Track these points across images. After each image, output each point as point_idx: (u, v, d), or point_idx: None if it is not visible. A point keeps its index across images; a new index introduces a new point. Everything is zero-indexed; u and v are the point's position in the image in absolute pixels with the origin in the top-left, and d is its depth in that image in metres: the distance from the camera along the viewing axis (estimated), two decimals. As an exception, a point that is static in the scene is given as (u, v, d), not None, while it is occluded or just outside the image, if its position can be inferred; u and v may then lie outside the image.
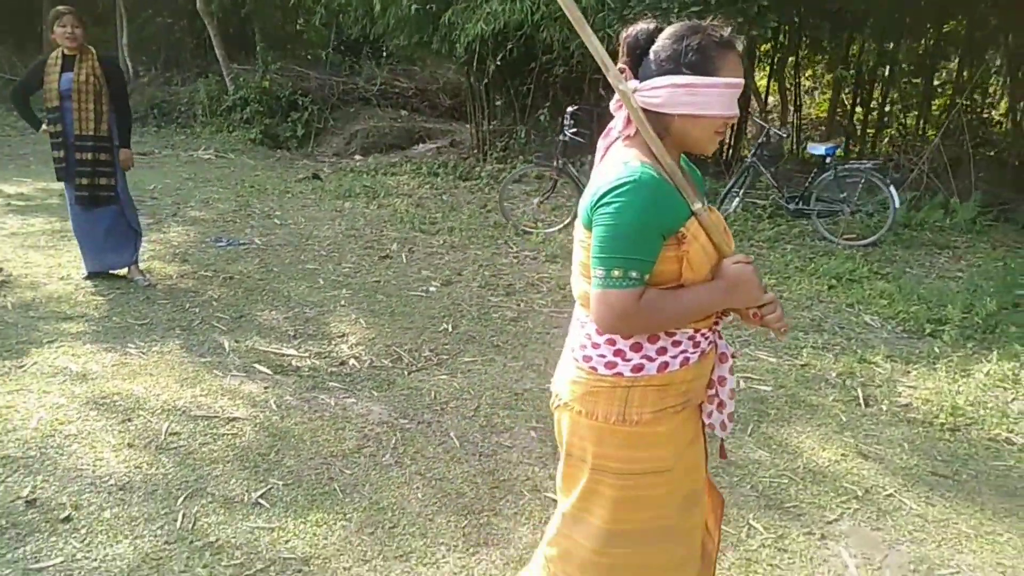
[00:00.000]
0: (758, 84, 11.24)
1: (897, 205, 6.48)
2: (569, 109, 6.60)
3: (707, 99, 1.40)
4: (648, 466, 1.51)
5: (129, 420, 3.01)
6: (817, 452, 3.00)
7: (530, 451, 2.91)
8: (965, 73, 10.81)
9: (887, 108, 11.27)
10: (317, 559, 2.22)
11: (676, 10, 7.80)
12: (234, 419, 3.05)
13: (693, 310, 1.44)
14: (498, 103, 11.47)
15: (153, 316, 4.22)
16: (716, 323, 1.55)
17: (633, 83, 1.44)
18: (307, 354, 3.80)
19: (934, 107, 11.34)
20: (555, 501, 2.44)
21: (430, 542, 2.32)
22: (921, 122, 11.06)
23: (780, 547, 2.39)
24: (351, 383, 3.47)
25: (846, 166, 6.83)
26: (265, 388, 3.36)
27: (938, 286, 5.26)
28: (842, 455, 2.97)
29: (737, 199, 7.37)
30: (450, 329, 4.24)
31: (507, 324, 4.39)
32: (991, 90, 11.77)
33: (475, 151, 11.32)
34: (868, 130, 11.15)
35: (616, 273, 1.37)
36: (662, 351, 1.47)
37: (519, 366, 3.75)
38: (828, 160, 6.74)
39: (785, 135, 8.36)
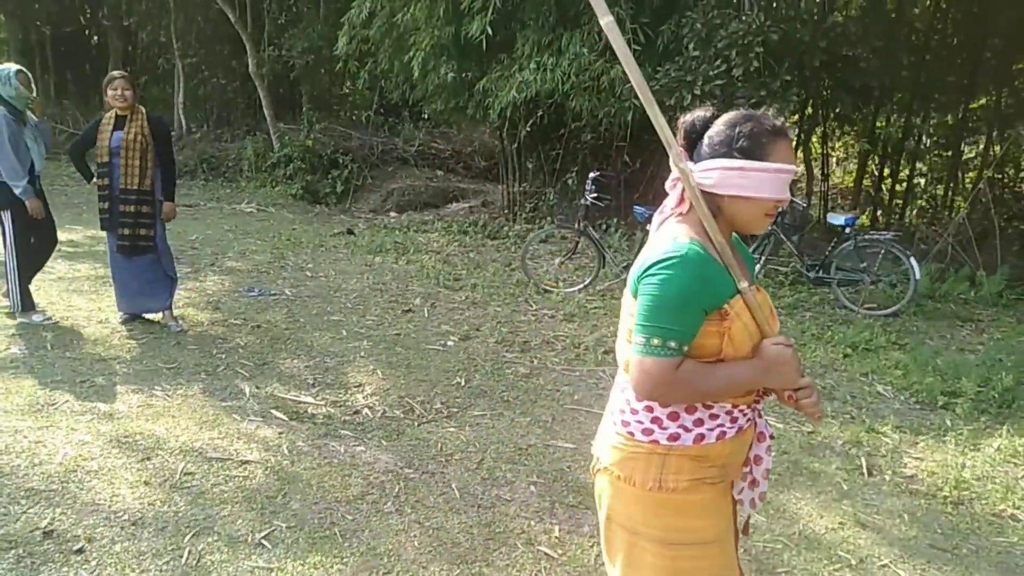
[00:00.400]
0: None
1: (918, 276, 6.48)
2: (591, 175, 6.82)
3: (757, 182, 1.50)
4: (688, 537, 1.53)
5: (148, 459, 3.17)
6: (815, 519, 3.01)
7: (528, 505, 2.98)
8: (997, 147, 10.86)
9: (915, 180, 11.31)
10: (310, 599, 2.31)
11: (701, 82, 8.09)
12: (247, 462, 3.19)
13: (729, 385, 1.49)
14: (529, 166, 11.81)
15: (181, 360, 4.42)
16: (756, 401, 1.60)
17: (689, 164, 1.54)
18: (323, 402, 3.95)
19: (965, 180, 11.36)
20: (547, 554, 2.52)
21: (420, 588, 2.40)
22: (950, 194, 11.07)
23: (766, 610, 2.41)
24: (362, 432, 3.60)
25: (866, 236, 6.87)
26: (280, 433, 3.50)
27: (956, 359, 5.23)
28: (840, 523, 2.98)
29: (758, 266, 7.45)
30: (463, 383, 4.36)
31: (519, 380, 4.49)
32: (1023, 163, 11.73)
33: (505, 211, 11.62)
34: (896, 201, 11.18)
35: (656, 342, 1.44)
36: (699, 423, 1.52)
37: (526, 422, 3.84)
38: (847, 230, 6.80)
39: (804, 205, 8.45)
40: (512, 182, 11.48)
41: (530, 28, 9.51)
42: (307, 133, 13.65)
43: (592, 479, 1.69)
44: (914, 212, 11.04)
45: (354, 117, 16.22)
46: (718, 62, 8.02)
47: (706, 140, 1.54)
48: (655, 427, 1.53)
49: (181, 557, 2.47)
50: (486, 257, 8.53)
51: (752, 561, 2.68)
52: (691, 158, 1.56)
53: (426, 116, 14.56)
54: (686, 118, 1.59)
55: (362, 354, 4.79)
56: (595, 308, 6.30)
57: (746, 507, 1.64)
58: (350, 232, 9.85)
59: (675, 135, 1.58)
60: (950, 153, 11.05)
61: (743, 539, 1.76)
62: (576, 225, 6.80)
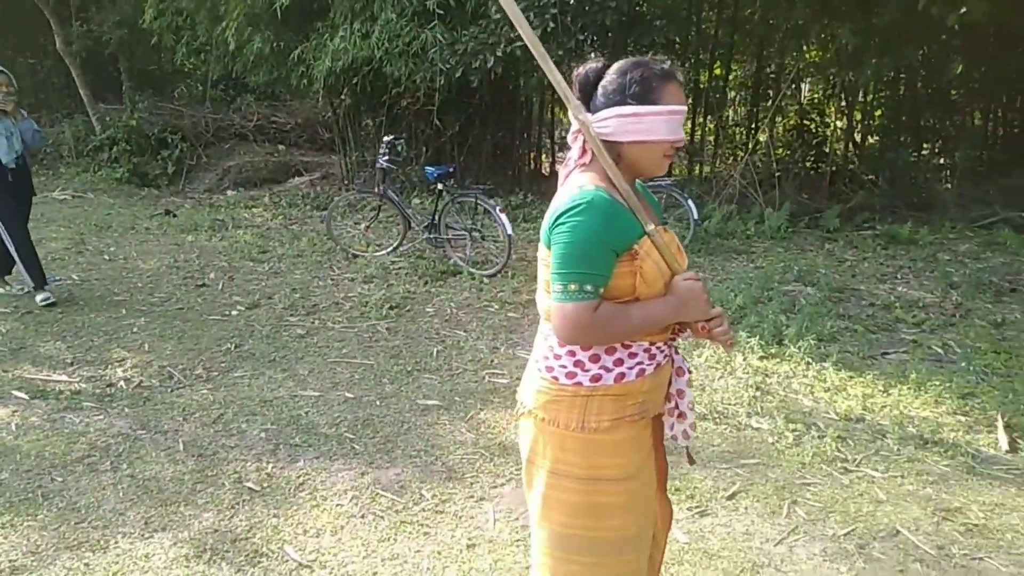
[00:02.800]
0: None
1: (695, 217, 7.08)
2: (385, 139, 6.96)
3: (653, 125, 1.55)
4: (608, 473, 1.60)
5: None
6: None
7: (251, 449, 3.17)
8: (805, 97, 11.94)
9: (723, 129, 12.21)
10: (-12, 554, 2.41)
11: (503, 44, 8.32)
12: (-32, 441, 3.18)
13: (646, 322, 1.55)
14: (362, 134, 11.79)
15: (-72, 353, 4.26)
16: (672, 338, 1.66)
17: (587, 116, 1.58)
18: (77, 379, 3.95)
19: (778, 126, 12.30)
20: (249, 488, 2.72)
21: (108, 533, 2.54)
22: (751, 141, 12.02)
23: (439, 510, 2.72)
24: (107, 403, 3.65)
25: (650, 181, 7.39)
26: (14, 411, 3.50)
27: (715, 287, 5.83)
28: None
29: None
30: (232, 348, 4.46)
31: (293, 340, 4.64)
32: (828, 112, 12.84)
33: (344, 181, 11.57)
34: (711, 149, 12.00)
35: (573, 287, 1.49)
36: (619, 362, 1.58)
37: (282, 377, 4.01)
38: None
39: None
40: (347, 151, 11.44)
41: (343, -6, 9.44)
42: (130, 112, 12.89)
43: (516, 423, 1.75)
44: (719, 160, 11.88)
45: (185, 92, 15.47)
46: (518, 24, 8.30)
47: (600, 90, 1.59)
48: (578, 370, 1.59)
49: None
50: (307, 228, 8.53)
51: (444, 470, 2.99)
52: (588, 109, 1.60)
53: (252, 88, 14.07)
54: (579, 71, 1.63)
55: (135, 330, 4.77)
56: (398, 269, 6.50)
57: (680, 440, 1.73)
58: (168, 213, 9.52)
59: (571, 88, 1.63)
60: (747, 105, 11.99)
61: (690, 468, 1.90)
62: (375, 189, 6.94)
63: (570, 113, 1.61)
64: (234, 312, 5.22)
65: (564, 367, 1.59)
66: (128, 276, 6.17)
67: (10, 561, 2.37)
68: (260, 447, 3.19)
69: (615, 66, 1.60)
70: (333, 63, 9.41)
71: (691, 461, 1.88)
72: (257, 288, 5.85)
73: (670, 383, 1.69)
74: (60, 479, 2.88)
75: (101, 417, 3.46)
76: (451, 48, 8.50)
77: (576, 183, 1.57)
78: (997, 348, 4.48)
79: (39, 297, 5.24)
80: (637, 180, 1.66)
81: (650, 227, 1.54)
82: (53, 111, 15.38)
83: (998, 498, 2.85)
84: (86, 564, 2.36)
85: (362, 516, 2.67)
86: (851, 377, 4.04)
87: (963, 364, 4.28)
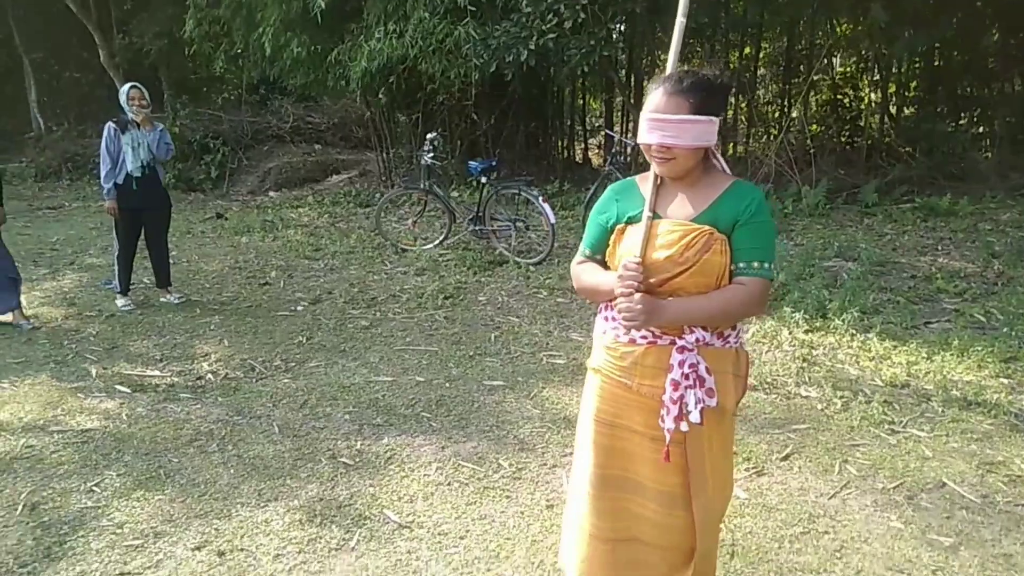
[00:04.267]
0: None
1: (552, 220, 6.35)
2: (429, 136, 7.22)
3: (640, 129, 1.76)
4: (587, 407, 1.94)
5: (-7, 440, 3.47)
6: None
7: (339, 429, 3.47)
8: (838, 71, 11.92)
9: (755, 107, 12.24)
10: (131, 523, 2.73)
11: (535, 37, 8.51)
12: (87, 430, 3.53)
13: (592, 285, 1.87)
14: (397, 131, 12.09)
15: (31, 355, 4.65)
16: (669, 331, 1.76)
17: None
18: (168, 373, 4.30)
19: (811, 103, 12.29)
20: (344, 463, 3.02)
21: (229, 503, 2.85)
22: (786, 119, 12.03)
23: (517, 476, 2.99)
24: (201, 393, 3.99)
25: (504, 184, 6.84)
26: (121, 404, 3.85)
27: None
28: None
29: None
30: (304, 341, 4.78)
31: (359, 332, 4.95)
32: (861, 86, 12.78)
33: (382, 178, 11.89)
34: (743, 128, 12.05)
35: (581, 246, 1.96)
36: (605, 320, 1.89)
37: (355, 365, 4.31)
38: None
39: (634, 143, 9.10)
40: (384, 148, 11.75)
41: (375, -4, 9.70)
42: (172, 120, 13.36)
43: None
44: (752, 139, 11.92)
45: (225, 98, 15.93)
46: (549, 16, 8.48)
47: None
48: (595, 325, 1.97)
49: (16, 509, 2.84)
50: (354, 225, 8.85)
51: (515, 441, 3.26)
52: None
53: (291, 92, 14.45)
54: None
55: (212, 328, 5.13)
56: (447, 261, 6.78)
57: (665, 433, 1.77)
58: (220, 216, 9.94)
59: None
60: (780, 82, 11.99)
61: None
62: (421, 185, 7.22)
63: None
64: (299, 308, 5.55)
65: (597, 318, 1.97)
66: (195, 278, 6.55)
67: (151, 527, 2.70)
68: (346, 428, 3.49)
69: None
70: (369, 63, 9.68)
71: (666, 458, 1.79)
72: (316, 284, 6.18)
73: (670, 372, 1.75)
74: (176, 460, 3.21)
75: (199, 406, 3.80)
76: (484, 43, 8.71)
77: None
78: (1038, 314, 4.61)
79: (120, 302, 5.63)
80: (744, 185, 1.79)
81: (647, 214, 1.74)
82: (98, 123, 15.94)
83: (1040, 452, 3.02)
84: (216, 529, 2.68)
85: (448, 484, 2.95)
86: (895, 346, 4.21)
87: (1005, 330, 4.42)
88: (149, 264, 5.91)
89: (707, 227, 1.74)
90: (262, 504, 2.84)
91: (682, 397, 1.74)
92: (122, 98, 5.43)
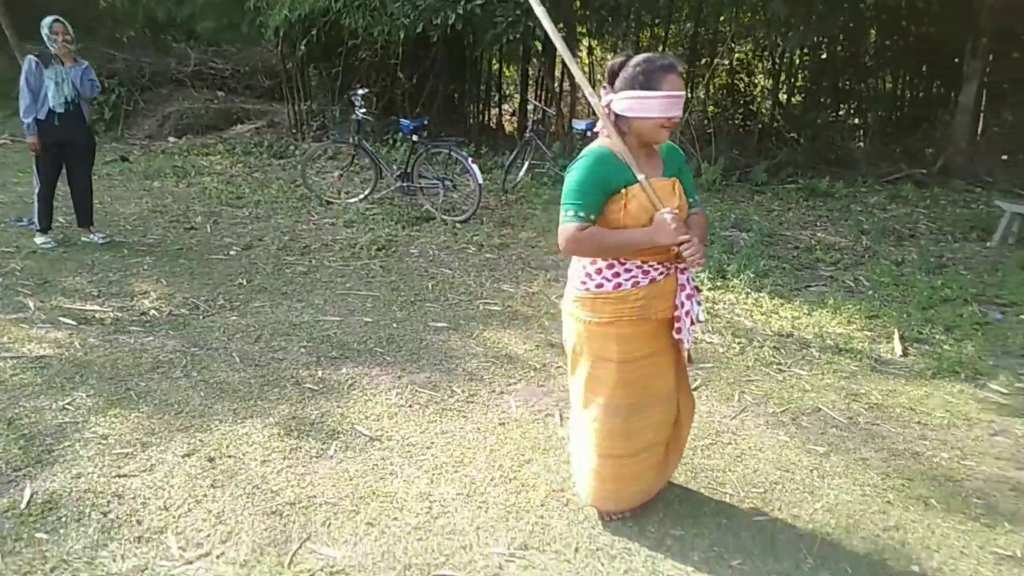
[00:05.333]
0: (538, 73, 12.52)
1: (480, 180, 6.61)
2: (359, 92, 7.33)
3: (652, 106, 2.11)
4: (606, 354, 2.26)
5: (-60, 366, 3.48)
6: (510, 344, 4.05)
7: (297, 360, 3.73)
8: (735, 56, 12.76)
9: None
10: (114, 435, 2.92)
11: (463, 1, 8.69)
12: (42, 356, 3.60)
13: (622, 243, 2.15)
14: (313, 84, 11.92)
15: (-45, 287, 4.55)
16: (672, 261, 2.23)
17: (610, 96, 2.20)
18: (110, 308, 4.36)
19: (712, 87, 13.10)
20: (310, 388, 3.29)
21: (206, 420, 3.08)
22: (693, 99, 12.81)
23: (470, 400, 3.38)
24: (150, 327, 4.10)
25: (434, 143, 6.99)
26: (70, 334, 3.91)
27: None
28: (523, 344, 4.04)
29: (523, 169, 8.48)
30: (244, 283, 4.92)
31: (297, 276, 5.13)
32: (755, 72, 13.72)
33: (292, 131, 11.71)
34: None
35: (569, 213, 2.14)
36: (616, 275, 2.22)
37: (301, 306, 4.53)
38: (588, 133, 7.92)
39: (554, 113, 9.55)
40: (297, 101, 11.57)
41: (300, -56, 9.53)
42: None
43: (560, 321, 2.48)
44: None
45: (119, 36, 15.00)
46: (476, -18, 8.68)
47: (620, 78, 2.18)
48: (588, 280, 2.26)
49: (-9, 426, 2.95)
50: (271, 176, 8.81)
51: (470, 378, 3.64)
52: (613, 90, 2.19)
53: (197, 35, 13.84)
54: (609, 64, 2.25)
55: (145, 267, 5.15)
56: (374, 214, 6.98)
57: (682, 343, 2.32)
58: (124, 159, 9.58)
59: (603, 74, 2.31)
60: (685, 64, 12.73)
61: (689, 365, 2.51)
62: (351, 139, 7.35)
63: (588, 97, 2.29)
64: (232, 252, 5.63)
65: (583, 278, 2.29)
66: (114, 220, 6.44)
67: (137, 438, 2.89)
68: (304, 359, 3.75)
69: (632, 59, 2.20)
70: (290, 13, 9.56)
71: (689, 360, 2.49)
72: (245, 231, 6.25)
73: (675, 296, 2.28)
74: (143, 384, 3.37)
75: (151, 339, 3.92)
76: (411, 3, 8.81)
77: (594, 143, 2.25)
78: (897, 282, 5.43)
79: (40, 239, 5.51)
80: (665, 144, 2.29)
81: (641, 176, 2.14)
82: (-31, 52, 14.66)
83: (892, 387, 3.73)
84: (200, 440, 2.91)
85: (409, 406, 3.30)
86: (782, 303, 4.88)
87: (870, 293, 5.20)
88: (69, 203, 5.77)
89: (674, 178, 2.24)
90: (239, 421, 3.08)
91: (683, 306, 2.28)
92: (44, 31, 5.27)
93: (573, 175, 2.17)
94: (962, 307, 4.92)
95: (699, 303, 2.35)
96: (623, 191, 2.16)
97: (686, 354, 2.44)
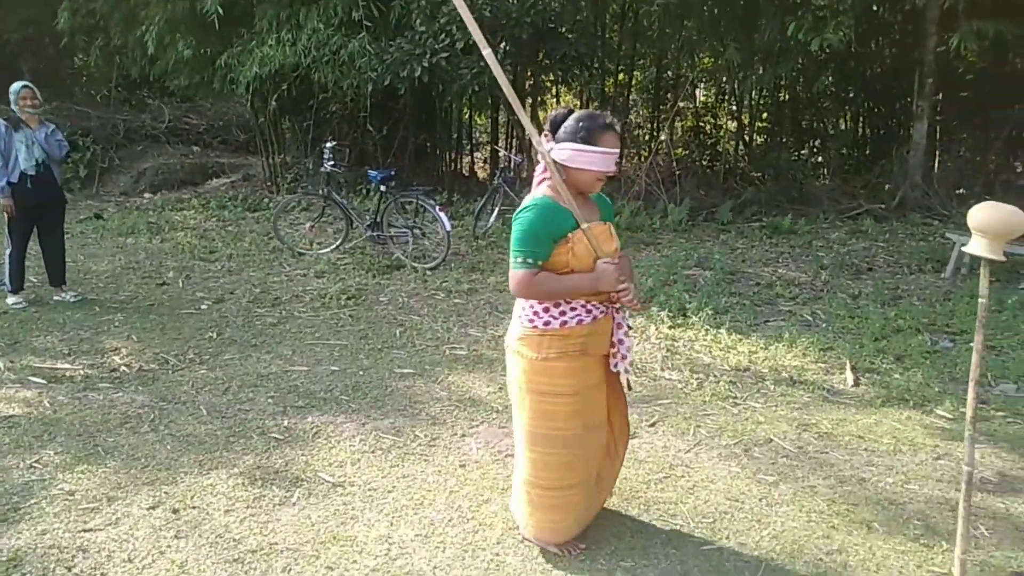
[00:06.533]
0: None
1: (448, 228, 6.80)
2: (328, 144, 7.53)
3: (591, 160, 2.31)
4: (555, 389, 2.41)
5: (-92, 428, 3.52)
6: (474, 387, 4.16)
7: (264, 411, 3.80)
8: (700, 101, 13.20)
9: (630, 131, 13.35)
10: (80, 491, 2.97)
11: (428, 55, 8.99)
12: (10, 416, 3.66)
13: (571, 288, 2.34)
14: (286, 137, 12.15)
15: (-76, 349, 4.59)
16: (611, 302, 2.43)
17: (550, 144, 2.37)
18: (80, 366, 4.42)
19: (677, 128, 13.51)
20: (275, 438, 3.37)
21: (172, 473, 3.14)
22: (654, 141, 13.22)
23: (432, 444, 3.47)
24: (120, 383, 4.16)
25: (403, 192, 7.19)
26: (39, 393, 3.97)
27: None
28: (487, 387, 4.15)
29: (494, 215, 8.68)
30: (215, 336, 5.01)
31: (267, 328, 5.23)
32: (720, 115, 14.17)
33: (267, 183, 11.90)
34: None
35: (518, 259, 2.31)
36: (562, 313, 2.39)
37: (270, 357, 4.62)
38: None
39: (520, 160, 9.81)
40: (270, 154, 11.78)
41: (267, 3, 9.82)
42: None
43: (504, 359, 2.63)
44: (625, 159, 12.98)
45: (93, 93, 15.22)
46: (442, 36, 9.01)
47: (562, 129, 2.36)
48: (535, 318, 2.41)
49: (-43, 486, 2.99)
50: (244, 229, 8.94)
51: (422, 416, 3.73)
52: (554, 139, 2.37)
53: (171, 91, 14.07)
54: (552, 113, 2.44)
55: (116, 324, 5.22)
56: (345, 264, 7.11)
57: (622, 374, 2.53)
58: (98, 216, 9.68)
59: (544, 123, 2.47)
60: (650, 108, 13.17)
61: (628, 392, 2.66)
62: (320, 191, 7.52)
63: (535, 144, 2.47)
64: (203, 306, 5.72)
65: (529, 317, 2.45)
66: (86, 278, 6.51)
67: (103, 493, 2.95)
68: (271, 409, 3.83)
69: (575, 114, 2.43)
70: (260, 69, 9.80)
71: (629, 388, 2.66)
72: (217, 285, 6.35)
73: (612, 333, 2.49)
74: (111, 439, 3.43)
75: (120, 395, 3.99)
76: (378, 58, 9.09)
77: (535, 191, 2.44)
78: (852, 314, 5.63)
79: (11, 300, 5.56)
80: (597, 192, 2.49)
81: (584, 225, 2.33)
82: (-56, 111, 14.78)
83: (842, 416, 3.87)
84: (165, 492, 2.97)
85: (372, 452, 3.38)
86: (740, 339, 5.04)
87: (824, 327, 5.39)
88: (40, 262, 5.84)
89: (610, 222, 2.50)
90: (204, 472, 3.15)
91: (621, 342, 2.50)
92: (12, 96, 5.41)
93: (522, 224, 2.34)
94: (913, 337, 5.11)
95: (630, 339, 2.57)
96: (569, 235, 2.35)
97: (625, 382, 2.60)
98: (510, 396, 2.62)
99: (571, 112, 2.44)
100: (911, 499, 3.07)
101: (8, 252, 5.57)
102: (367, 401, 3.97)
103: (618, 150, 2.37)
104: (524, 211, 2.36)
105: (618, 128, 2.41)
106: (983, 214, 2.19)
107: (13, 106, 5.38)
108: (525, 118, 2.53)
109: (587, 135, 2.32)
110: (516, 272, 2.33)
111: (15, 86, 5.45)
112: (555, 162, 2.37)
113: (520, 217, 2.36)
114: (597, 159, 2.33)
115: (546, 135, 2.44)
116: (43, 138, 5.46)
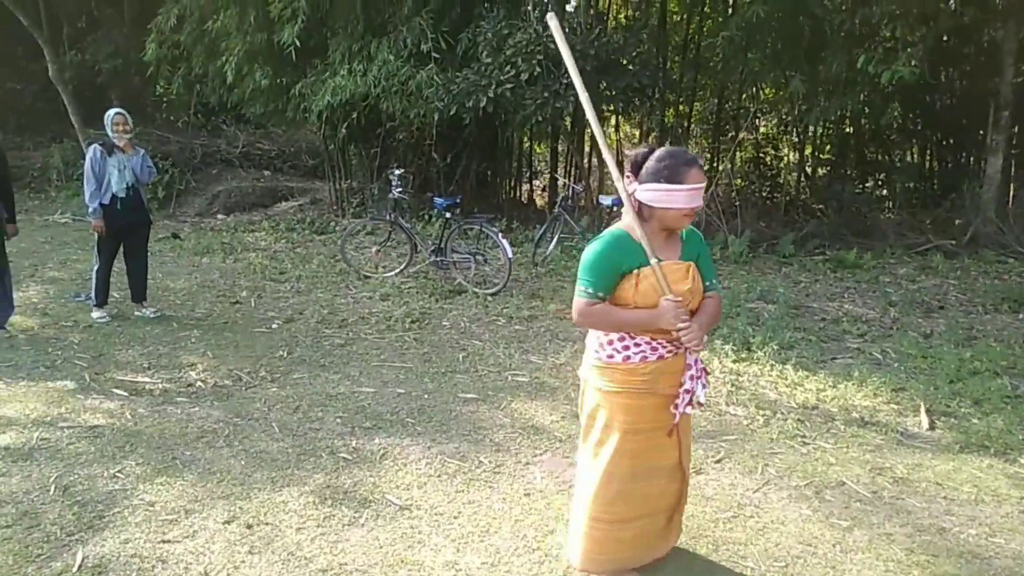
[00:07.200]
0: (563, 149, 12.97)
1: (510, 255, 6.88)
2: (397, 172, 7.73)
3: (676, 197, 2.30)
4: (615, 423, 2.42)
5: (2, 434, 3.73)
6: (536, 415, 4.16)
7: (333, 431, 3.89)
8: (761, 132, 13.09)
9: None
10: (160, 502, 3.09)
11: (494, 86, 9.17)
12: (95, 426, 3.84)
13: (628, 322, 2.35)
14: (353, 163, 12.51)
15: (18, 359, 4.86)
16: (676, 341, 2.37)
17: (634, 185, 2.38)
18: (159, 380, 4.61)
19: (737, 159, 13.42)
20: (344, 458, 3.45)
21: (246, 488, 3.24)
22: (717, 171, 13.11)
23: (497, 471, 3.49)
24: (196, 398, 4.33)
25: (467, 220, 7.24)
26: (122, 405, 4.15)
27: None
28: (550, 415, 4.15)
29: (553, 243, 8.73)
30: (285, 355, 5.16)
31: (335, 349, 5.36)
32: (781, 146, 14.00)
33: (333, 207, 12.25)
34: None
35: (580, 288, 2.36)
36: (626, 348, 2.40)
37: (338, 378, 4.73)
38: (615, 208, 8.17)
39: (582, 189, 9.86)
40: (338, 179, 12.14)
41: (340, 35, 10.22)
42: (121, 139, 13.33)
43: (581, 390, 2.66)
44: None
45: (173, 119, 16.00)
46: (507, 68, 9.19)
47: (644, 169, 2.36)
48: (600, 350, 2.44)
49: (49, 490, 3.14)
50: (312, 251, 9.21)
51: (486, 441, 3.76)
52: (637, 179, 2.37)
53: (246, 118, 14.69)
54: (633, 154, 2.44)
55: (192, 340, 5.44)
56: (409, 288, 7.25)
57: (677, 415, 2.47)
58: (175, 236, 10.11)
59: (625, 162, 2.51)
60: (710, 139, 13.09)
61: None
62: (387, 217, 7.71)
63: (617, 185, 2.48)
64: (274, 326, 5.91)
65: (596, 348, 2.48)
66: (165, 295, 6.80)
67: (181, 506, 3.06)
68: (339, 429, 3.92)
69: (656, 152, 2.41)
70: (332, 98, 10.14)
71: (669, 433, 2.53)
72: (287, 305, 6.55)
73: (682, 374, 2.44)
74: (188, 453, 3.57)
75: (197, 409, 4.14)
76: (446, 88, 9.31)
77: (614, 224, 2.48)
78: (924, 354, 5.44)
79: (96, 314, 5.86)
80: (686, 228, 2.48)
81: (654, 260, 2.31)
82: (37, 135, 15.75)
83: (918, 460, 3.74)
84: (240, 508, 3.07)
85: (438, 476, 3.43)
86: (807, 376, 4.93)
87: (896, 366, 5.22)
88: (123, 279, 6.14)
89: (691, 262, 2.44)
90: (276, 489, 3.24)
91: (692, 388, 2.45)
92: (106, 123, 5.73)
93: (590, 254, 2.38)
94: (991, 380, 4.90)
95: (704, 385, 2.50)
96: (636, 271, 2.35)
97: (676, 418, 2.51)
98: (582, 424, 2.64)
99: (651, 151, 2.43)
100: (997, 553, 2.93)
101: (96, 268, 5.86)
102: (432, 424, 4.03)
103: (703, 184, 2.36)
104: (595, 240, 2.42)
105: (700, 162, 2.42)
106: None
107: (109, 131, 5.69)
108: (611, 161, 2.57)
109: (671, 174, 2.33)
110: (576, 299, 2.39)
111: (110, 113, 5.77)
112: (640, 202, 2.38)
113: (590, 245, 2.41)
114: (682, 197, 2.32)
115: (628, 176, 2.46)
116: (137, 163, 5.74)
